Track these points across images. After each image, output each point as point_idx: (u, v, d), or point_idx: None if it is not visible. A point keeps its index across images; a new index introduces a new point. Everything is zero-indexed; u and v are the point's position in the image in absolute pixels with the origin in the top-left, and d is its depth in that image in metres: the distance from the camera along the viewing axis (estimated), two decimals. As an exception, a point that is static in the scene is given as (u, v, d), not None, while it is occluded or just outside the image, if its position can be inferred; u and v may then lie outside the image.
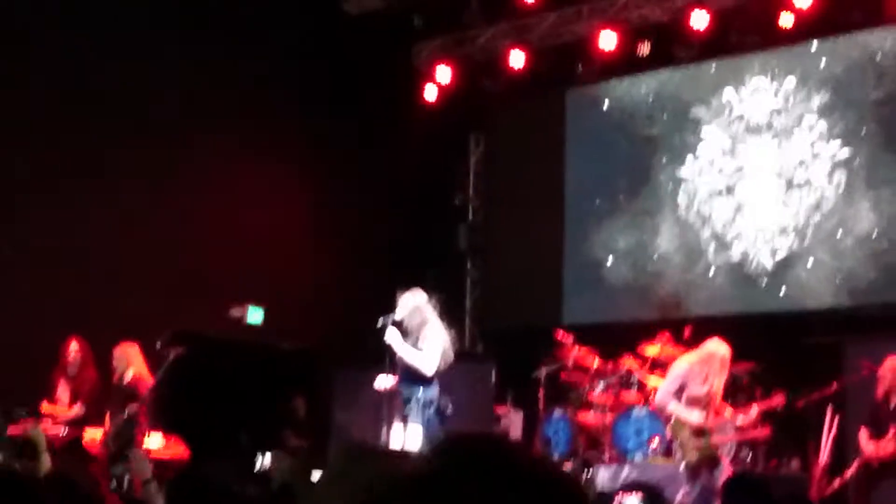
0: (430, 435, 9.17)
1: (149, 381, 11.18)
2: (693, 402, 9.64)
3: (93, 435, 11.43)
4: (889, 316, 12.35)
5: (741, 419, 10.22)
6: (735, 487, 4.96)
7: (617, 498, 9.02)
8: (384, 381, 9.66)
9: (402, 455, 1.99)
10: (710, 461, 9.54)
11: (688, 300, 14.03)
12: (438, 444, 1.36)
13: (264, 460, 11.95)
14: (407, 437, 9.25)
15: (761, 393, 11.00)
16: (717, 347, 9.75)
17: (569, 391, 13.07)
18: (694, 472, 9.51)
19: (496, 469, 1.28)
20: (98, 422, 11.48)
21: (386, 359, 9.46)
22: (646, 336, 12.30)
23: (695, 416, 9.57)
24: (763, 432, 10.86)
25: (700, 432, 9.58)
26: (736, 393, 11.32)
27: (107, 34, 12.96)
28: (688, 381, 9.67)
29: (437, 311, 9.55)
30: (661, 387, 9.99)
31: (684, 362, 9.88)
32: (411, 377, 9.32)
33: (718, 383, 9.69)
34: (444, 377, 9.46)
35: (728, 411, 10.17)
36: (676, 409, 9.67)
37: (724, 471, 9.47)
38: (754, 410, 10.10)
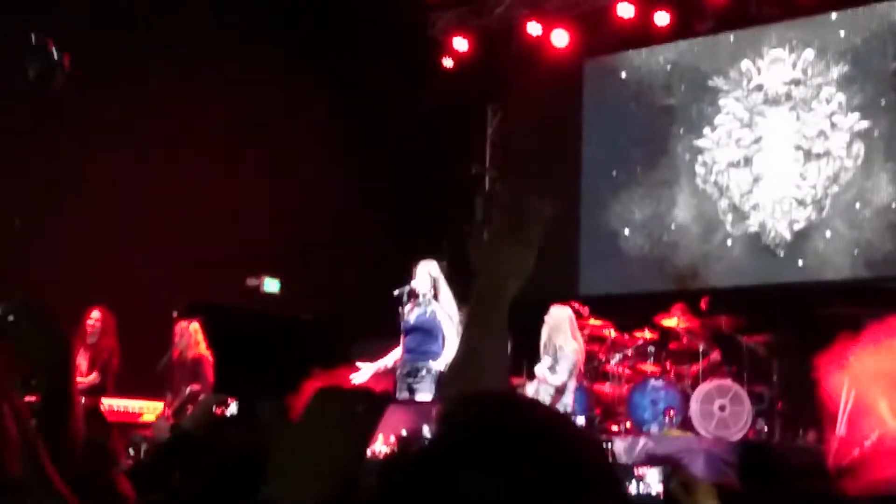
0: None
1: (209, 360, 11.32)
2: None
3: (110, 403, 11.51)
4: (907, 288, 12.31)
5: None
6: (750, 457, 4.94)
7: (637, 471, 9.04)
8: (359, 376, 9.61)
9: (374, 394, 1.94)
10: None
11: (704, 271, 13.98)
12: (450, 403, 1.30)
13: None
14: None
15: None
16: (555, 313, 11.39)
17: (585, 362, 13.05)
18: None
19: (513, 428, 1.22)
20: (113, 391, 11.56)
21: (400, 329, 9.47)
22: (662, 307, 12.26)
23: None
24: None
25: None
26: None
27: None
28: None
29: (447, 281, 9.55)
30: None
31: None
32: (424, 348, 9.28)
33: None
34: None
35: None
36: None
37: None
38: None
